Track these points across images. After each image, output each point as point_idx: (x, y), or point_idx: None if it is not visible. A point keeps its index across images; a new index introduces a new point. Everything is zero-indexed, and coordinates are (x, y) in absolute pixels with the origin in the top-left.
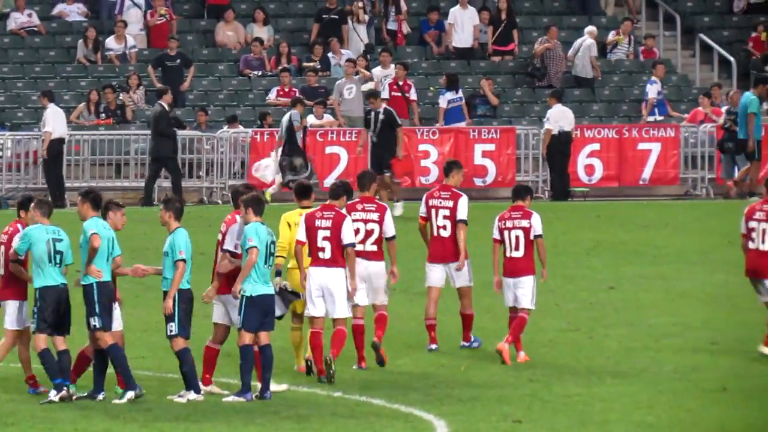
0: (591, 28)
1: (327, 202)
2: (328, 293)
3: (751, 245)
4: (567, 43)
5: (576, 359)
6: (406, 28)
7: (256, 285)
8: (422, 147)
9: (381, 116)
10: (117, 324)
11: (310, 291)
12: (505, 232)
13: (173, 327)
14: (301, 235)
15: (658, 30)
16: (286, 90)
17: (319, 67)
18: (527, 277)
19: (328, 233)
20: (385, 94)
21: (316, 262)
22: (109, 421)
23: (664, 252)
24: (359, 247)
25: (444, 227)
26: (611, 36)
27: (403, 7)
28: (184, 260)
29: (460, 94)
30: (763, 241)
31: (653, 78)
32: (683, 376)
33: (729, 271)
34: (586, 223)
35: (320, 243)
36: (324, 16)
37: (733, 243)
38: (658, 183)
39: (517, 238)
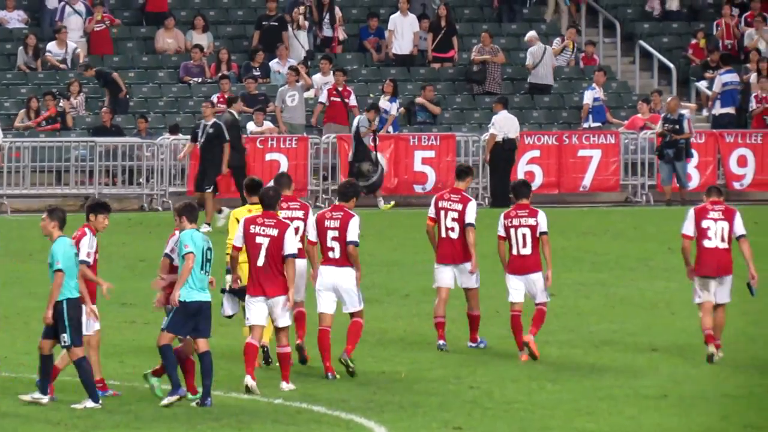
0: (533, 34)
1: (337, 203)
2: (338, 291)
3: (708, 244)
4: (506, 50)
5: (516, 366)
6: (342, 35)
7: (191, 291)
8: None
9: (209, 129)
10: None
11: (319, 290)
12: (512, 230)
13: (66, 338)
14: (312, 235)
15: (598, 37)
16: (226, 96)
17: (258, 74)
18: (537, 274)
19: (336, 233)
20: (323, 99)
21: (327, 261)
22: (51, 428)
23: (604, 259)
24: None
25: (452, 229)
26: (556, 44)
27: (338, 13)
28: (61, 270)
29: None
30: (722, 239)
31: (593, 85)
32: (623, 382)
33: (669, 278)
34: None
35: (330, 243)
36: (264, 23)
37: (672, 250)
38: (599, 190)
39: (524, 236)
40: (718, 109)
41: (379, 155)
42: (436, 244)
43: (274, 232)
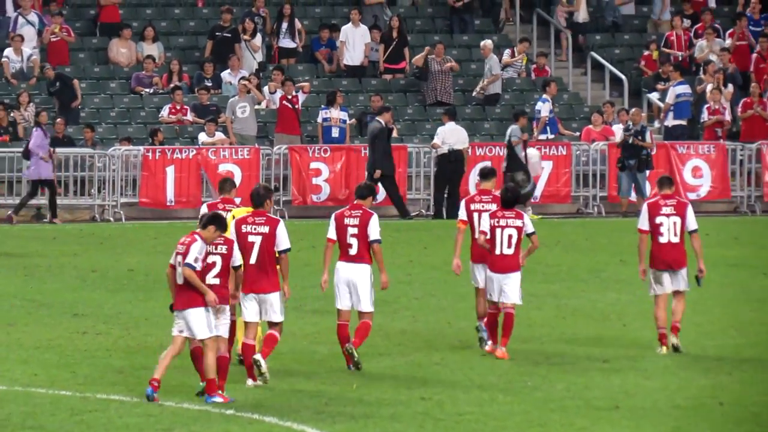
0: (487, 42)
1: (355, 202)
2: (353, 288)
3: (661, 239)
4: (458, 61)
5: (468, 377)
6: (298, 45)
7: None
8: (314, 165)
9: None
10: None
11: (337, 285)
12: (498, 230)
13: None
14: (332, 233)
15: (549, 48)
16: (178, 108)
17: (210, 84)
18: (515, 273)
19: (356, 231)
20: (275, 105)
21: (345, 257)
22: None
23: (555, 270)
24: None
25: (486, 232)
26: (507, 56)
27: (297, 24)
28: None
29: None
30: (675, 234)
31: (545, 96)
32: (575, 394)
33: (621, 290)
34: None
35: (349, 240)
36: (217, 33)
37: (624, 261)
38: (550, 201)
39: (510, 237)
40: (671, 121)
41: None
42: (458, 246)
43: (265, 229)
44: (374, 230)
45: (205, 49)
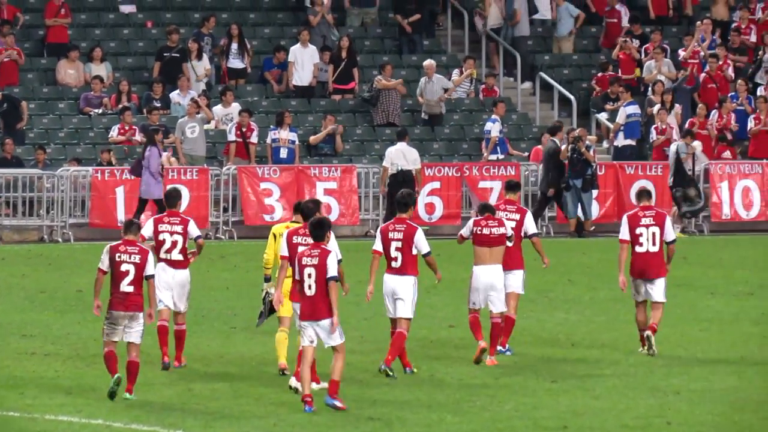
0: (429, 62)
1: (398, 216)
2: (395, 297)
3: (639, 249)
4: (407, 81)
5: (416, 397)
6: (247, 65)
7: None
8: (263, 185)
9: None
10: None
11: (385, 296)
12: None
13: None
14: (378, 246)
15: (498, 68)
16: (127, 128)
17: (159, 105)
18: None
19: (400, 244)
20: (232, 137)
21: (390, 270)
22: None
23: None
24: (165, 256)
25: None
26: (455, 75)
27: (246, 44)
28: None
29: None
30: (653, 244)
31: (494, 116)
32: (523, 414)
33: (569, 310)
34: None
35: (393, 253)
36: (165, 54)
37: (572, 282)
38: None
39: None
40: (620, 141)
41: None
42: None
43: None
44: (424, 245)
45: (154, 69)
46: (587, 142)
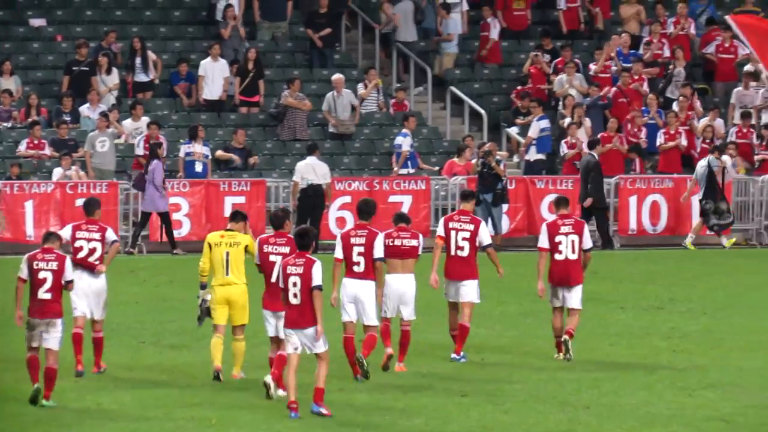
0: (338, 76)
1: (359, 222)
2: (359, 302)
3: (558, 257)
4: (318, 95)
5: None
6: (155, 79)
7: None
8: (173, 200)
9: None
10: None
11: (343, 300)
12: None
13: None
14: (338, 252)
15: (408, 82)
16: (36, 142)
17: (69, 119)
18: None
19: (362, 249)
20: (140, 151)
21: (351, 274)
22: None
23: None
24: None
25: (462, 248)
26: (360, 89)
27: (151, 56)
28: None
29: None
30: (572, 251)
31: (404, 131)
32: (434, 428)
33: (479, 324)
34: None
35: (355, 258)
36: (74, 68)
37: (484, 295)
38: None
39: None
40: (532, 155)
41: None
42: (437, 262)
43: (286, 249)
44: (379, 249)
45: (63, 83)
46: (497, 157)
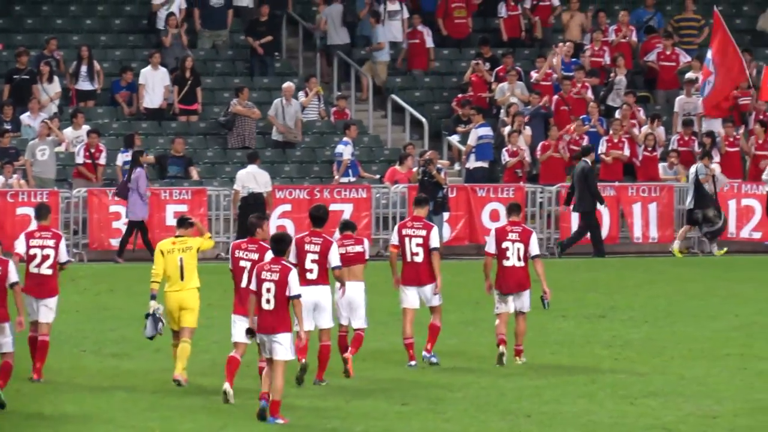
0: (288, 84)
1: (313, 230)
2: (317, 308)
3: (506, 263)
4: (258, 104)
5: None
6: (97, 87)
7: None
8: (113, 208)
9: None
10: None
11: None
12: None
13: None
14: (292, 257)
15: (349, 91)
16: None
17: (9, 127)
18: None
19: (316, 257)
20: (80, 159)
21: (305, 282)
22: None
23: None
24: (35, 270)
25: (417, 254)
26: (302, 97)
27: (96, 66)
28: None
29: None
30: (519, 258)
31: (345, 139)
32: None
33: (420, 332)
34: None
35: (309, 265)
36: (15, 76)
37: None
38: None
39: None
40: (472, 163)
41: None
42: (395, 269)
43: (255, 256)
44: (335, 257)
45: (4, 91)
46: (438, 165)
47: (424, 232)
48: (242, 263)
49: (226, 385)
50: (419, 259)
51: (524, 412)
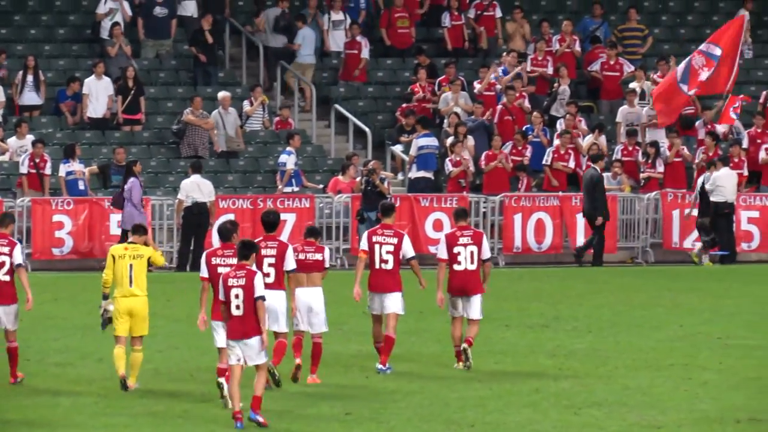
0: (224, 94)
1: (267, 234)
2: (272, 312)
3: (457, 267)
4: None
5: (211, 430)
6: (42, 99)
7: None
8: (57, 218)
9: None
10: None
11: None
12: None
13: None
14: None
15: (293, 101)
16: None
17: None
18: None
19: (273, 260)
20: (25, 169)
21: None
22: None
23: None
24: None
25: (386, 261)
26: (246, 106)
27: (41, 77)
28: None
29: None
30: (471, 262)
31: (289, 149)
32: None
33: (362, 342)
34: None
35: (266, 269)
36: None
37: (367, 314)
38: None
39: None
40: (414, 173)
41: None
42: (360, 274)
43: (234, 261)
44: (290, 261)
45: None
46: (381, 175)
47: (395, 240)
48: (221, 269)
49: (230, 394)
50: (388, 266)
51: (468, 421)
